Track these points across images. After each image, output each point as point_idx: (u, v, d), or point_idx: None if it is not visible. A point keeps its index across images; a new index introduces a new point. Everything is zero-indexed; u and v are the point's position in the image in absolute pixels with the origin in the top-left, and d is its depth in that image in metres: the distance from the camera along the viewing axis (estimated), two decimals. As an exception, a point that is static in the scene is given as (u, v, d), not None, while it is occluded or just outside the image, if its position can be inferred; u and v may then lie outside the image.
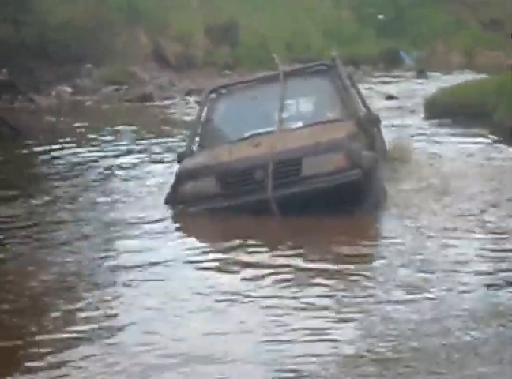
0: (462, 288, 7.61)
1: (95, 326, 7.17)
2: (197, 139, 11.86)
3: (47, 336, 7.09)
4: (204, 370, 6.09)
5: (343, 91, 11.64)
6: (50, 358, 6.30)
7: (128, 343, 6.70)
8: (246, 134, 11.32)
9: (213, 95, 12.17)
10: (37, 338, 7.02)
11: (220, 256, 9.19)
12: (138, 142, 17.46)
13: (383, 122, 12.80)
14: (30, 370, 6.04)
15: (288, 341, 6.58)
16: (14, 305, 8.10)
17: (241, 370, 6.10)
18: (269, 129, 11.17)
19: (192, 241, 10.05)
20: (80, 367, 6.16)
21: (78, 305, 7.70)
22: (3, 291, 8.59)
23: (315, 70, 12.24)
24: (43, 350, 6.54)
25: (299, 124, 11.36)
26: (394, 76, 29.29)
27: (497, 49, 32.13)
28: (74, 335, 7.00)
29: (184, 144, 12.44)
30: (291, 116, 11.48)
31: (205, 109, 12.05)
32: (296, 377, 5.94)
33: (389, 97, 22.59)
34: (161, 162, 14.73)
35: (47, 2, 17.54)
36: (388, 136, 13.08)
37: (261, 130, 11.26)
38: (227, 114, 11.96)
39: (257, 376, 6.13)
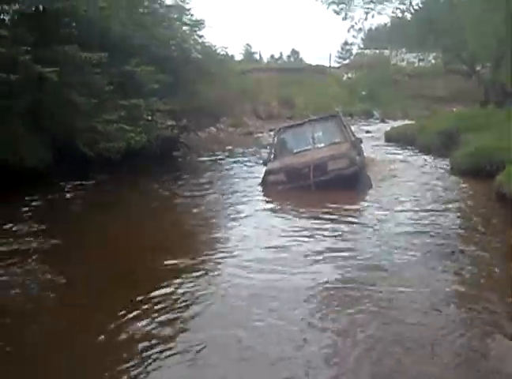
0: (406, 220, 7.74)
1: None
2: (273, 153, 11.62)
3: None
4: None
5: (343, 128, 11.58)
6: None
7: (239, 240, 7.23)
8: (297, 150, 11.23)
9: (280, 131, 12.04)
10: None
11: (283, 206, 9.43)
12: (247, 151, 17.60)
13: (365, 144, 12.74)
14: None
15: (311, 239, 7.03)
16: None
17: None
18: (308, 148, 11.01)
19: (271, 200, 10.11)
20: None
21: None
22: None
23: (328, 117, 12.12)
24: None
25: (323, 144, 11.21)
26: (369, 122, 28.84)
27: (420, 109, 31.45)
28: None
29: (266, 155, 12.35)
30: (318, 141, 11.36)
31: (276, 138, 11.93)
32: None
33: (367, 132, 22.25)
34: (258, 158, 14.87)
35: (204, 89, 17.54)
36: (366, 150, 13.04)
37: (304, 148, 11.16)
38: (287, 140, 11.85)
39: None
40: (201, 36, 17.98)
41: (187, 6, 17.46)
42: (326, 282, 5.38)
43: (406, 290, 5.09)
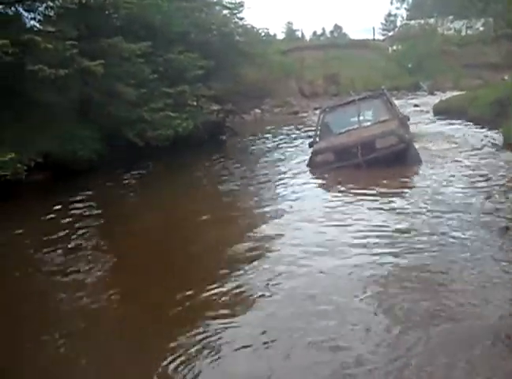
0: (459, 197, 7.64)
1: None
2: (318, 134, 11.49)
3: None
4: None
5: (389, 105, 11.34)
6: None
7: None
8: (343, 130, 10.99)
9: (326, 111, 11.88)
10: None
11: (332, 186, 9.40)
12: (293, 132, 17.55)
13: (413, 118, 12.47)
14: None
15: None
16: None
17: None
18: (354, 127, 10.84)
19: (319, 180, 10.09)
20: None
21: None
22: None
23: (374, 95, 11.93)
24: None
25: (369, 123, 11.02)
26: (417, 95, 28.14)
27: (470, 78, 30.39)
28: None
29: (312, 135, 12.22)
30: (364, 119, 11.13)
31: (321, 117, 11.73)
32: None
33: (415, 105, 21.73)
34: (304, 139, 14.77)
35: (247, 72, 17.69)
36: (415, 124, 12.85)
37: (350, 128, 10.92)
38: (333, 120, 11.55)
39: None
40: (241, 19, 18.00)
41: (225, -11, 17.50)
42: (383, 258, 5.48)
43: (459, 268, 5.07)
